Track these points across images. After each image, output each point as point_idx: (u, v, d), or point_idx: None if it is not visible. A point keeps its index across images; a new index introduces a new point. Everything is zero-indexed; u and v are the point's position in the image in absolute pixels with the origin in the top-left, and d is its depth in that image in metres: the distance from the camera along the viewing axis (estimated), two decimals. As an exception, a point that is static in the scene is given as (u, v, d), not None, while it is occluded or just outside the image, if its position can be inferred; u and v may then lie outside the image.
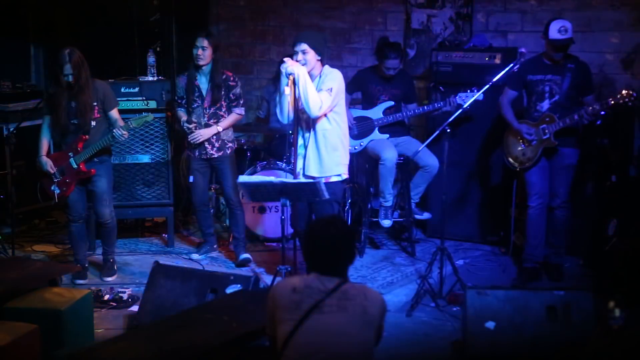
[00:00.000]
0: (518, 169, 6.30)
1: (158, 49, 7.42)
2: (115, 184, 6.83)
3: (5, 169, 7.26)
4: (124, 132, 6.09)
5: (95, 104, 6.15)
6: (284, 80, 5.58)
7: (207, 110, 6.62)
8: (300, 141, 5.76)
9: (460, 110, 5.94)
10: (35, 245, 7.19)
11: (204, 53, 6.52)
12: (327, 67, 5.72)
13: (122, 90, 6.96)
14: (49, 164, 6.16)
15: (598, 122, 6.08)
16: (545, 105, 6.16)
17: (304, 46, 5.60)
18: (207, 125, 6.61)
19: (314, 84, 5.62)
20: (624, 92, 5.84)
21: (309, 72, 5.58)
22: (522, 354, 4.80)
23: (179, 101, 6.73)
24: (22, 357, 4.35)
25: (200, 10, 8.80)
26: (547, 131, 6.08)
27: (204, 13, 8.87)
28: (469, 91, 6.57)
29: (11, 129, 6.88)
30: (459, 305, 5.60)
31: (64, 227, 7.65)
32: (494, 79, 5.98)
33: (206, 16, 8.89)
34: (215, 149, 6.67)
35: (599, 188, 6.59)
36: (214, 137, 6.65)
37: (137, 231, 7.54)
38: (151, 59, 7.17)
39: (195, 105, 6.62)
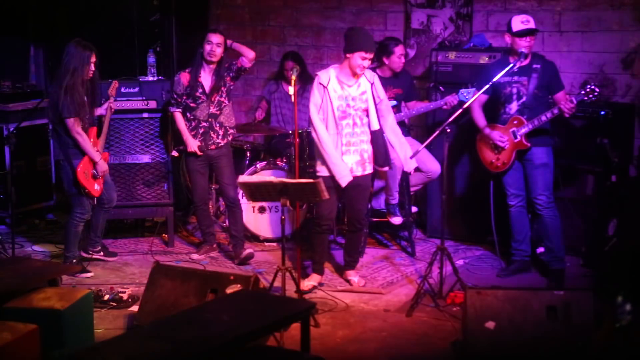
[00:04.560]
0: (493, 174, 6.36)
1: (158, 49, 7.43)
2: (115, 183, 6.85)
3: (6, 169, 7.26)
4: (114, 105, 6.55)
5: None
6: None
7: (213, 102, 6.62)
8: (350, 138, 5.88)
9: (460, 110, 5.94)
10: (35, 245, 7.19)
11: (217, 50, 6.51)
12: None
13: (122, 90, 6.96)
14: (106, 165, 6.39)
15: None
16: (514, 107, 6.17)
17: None
18: (211, 115, 6.61)
19: (355, 88, 5.88)
20: (588, 87, 5.89)
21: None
22: (522, 354, 4.80)
23: (178, 99, 6.66)
24: (22, 357, 4.34)
25: (200, 10, 8.80)
26: (517, 134, 6.10)
27: (204, 13, 8.87)
28: (470, 86, 6.59)
29: (11, 129, 6.88)
30: (459, 305, 5.60)
31: (64, 227, 7.65)
32: (494, 79, 5.98)
33: (206, 16, 8.89)
34: (220, 136, 6.66)
35: (599, 188, 6.58)
36: (217, 124, 6.64)
37: (137, 231, 7.53)
38: (151, 59, 7.17)
39: (200, 101, 6.60)
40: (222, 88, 6.61)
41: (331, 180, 5.82)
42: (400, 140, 6.05)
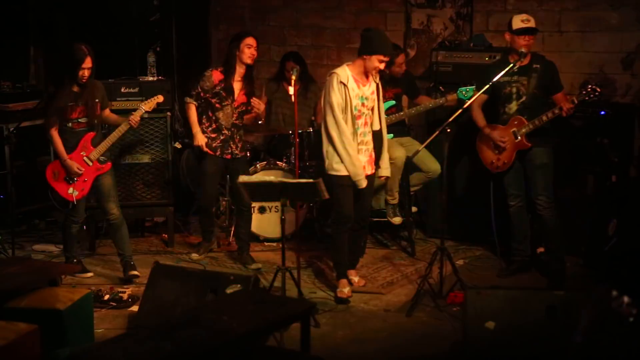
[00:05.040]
0: (494, 174, 6.36)
1: (158, 49, 7.42)
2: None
3: (6, 169, 7.26)
4: (138, 118, 6.20)
5: (97, 100, 6.19)
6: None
7: (236, 110, 6.58)
8: (364, 137, 5.86)
9: (460, 110, 5.94)
10: (35, 245, 7.19)
11: (255, 53, 6.50)
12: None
13: (122, 90, 6.96)
14: (75, 166, 6.12)
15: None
16: (514, 107, 6.17)
17: None
18: (234, 125, 6.57)
19: (367, 87, 5.86)
20: (589, 87, 5.89)
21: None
22: (522, 354, 4.79)
23: (201, 94, 6.50)
24: (22, 357, 4.34)
25: (200, 10, 8.80)
26: (518, 134, 6.10)
27: (204, 13, 8.88)
28: (469, 85, 6.59)
29: (11, 129, 6.88)
30: (459, 305, 5.60)
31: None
32: (494, 79, 5.98)
33: (206, 16, 8.89)
34: (238, 148, 6.65)
35: (599, 188, 6.58)
36: (237, 137, 6.62)
37: (137, 231, 7.53)
38: (151, 59, 7.17)
39: (225, 104, 6.55)
40: (248, 107, 6.60)
41: (349, 179, 5.81)
42: (386, 145, 6.05)
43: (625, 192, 6.47)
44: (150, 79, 7.14)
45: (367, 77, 5.84)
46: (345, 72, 5.78)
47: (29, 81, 8.40)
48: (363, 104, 5.82)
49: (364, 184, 5.82)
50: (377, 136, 5.94)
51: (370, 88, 5.86)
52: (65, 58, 6.08)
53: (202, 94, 6.54)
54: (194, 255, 6.88)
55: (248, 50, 6.46)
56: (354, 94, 5.77)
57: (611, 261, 6.03)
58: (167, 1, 8.30)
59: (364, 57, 5.75)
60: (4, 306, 4.80)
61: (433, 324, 5.54)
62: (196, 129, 6.57)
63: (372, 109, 5.90)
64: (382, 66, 5.76)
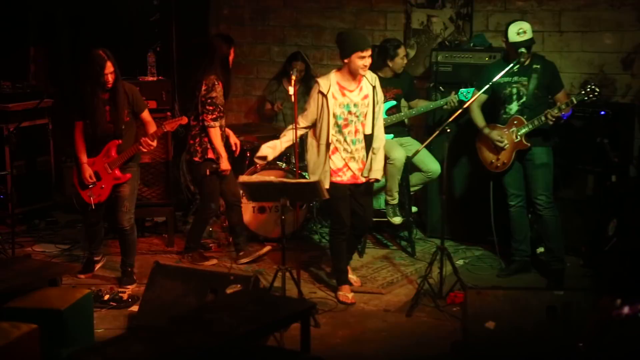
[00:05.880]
0: (493, 174, 6.36)
1: (158, 49, 7.42)
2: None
3: (6, 169, 7.26)
4: (152, 143, 6.05)
5: (125, 108, 6.07)
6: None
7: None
8: (353, 145, 5.76)
9: (460, 110, 5.94)
10: (35, 245, 7.19)
11: None
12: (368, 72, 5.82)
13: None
14: (88, 173, 6.06)
15: (564, 117, 6.04)
16: (514, 107, 6.17)
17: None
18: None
19: (356, 93, 5.76)
20: (588, 87, 5.88)
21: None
22: (522, 354, 4.79)
23: (221, 109, 6.42)
24: (22, 357, 4.34)
25: (200, 10, 8.79)
26: (518, 134, 6.10)
27: (204, 13, 8.87)
28: (469, 86, 6.59)
29: (11, 129, 6.88)
30: (459, 305, 5.61)
31: (64, 227, 7.67)
32: (494, 79, 5.98)
33: (206, 16, 8.89)
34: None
35: (599, 188, 6.58)
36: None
37: (137, 231, 7.51)
38: (151, 59, 7.17)
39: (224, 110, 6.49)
40: None
41: (343, 188, 5.78)
42: (382, 149, 5.93)
43: (625, 192, 6.47)
44: (150, 79, 7.14)
45: (358, 81, 5.77)
46: (327, 81, 5.72)
47: (29, 81, 8.40)
48: (350, 112, 5.72)
49: (260, 162, 5.83)
50: (368, 140, 5.82)
51: (361, 93, 5.76)
52: (86, 66, 5.95)
53: (222, 110, 6.40)
54: (214, 260, 6.80)
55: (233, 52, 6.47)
56: (337, 103, 5.69)
57: (611, 261, 6.03)
58: (167, 1, 8.29)
59: (345, 61, 5.69)
60: (4, 306, 4.80)
61: (433, 324, 5.54)
62: (225, 154, 6.40)
63: (366, 114, 5.78)
64: (366, 62, 5.64)
